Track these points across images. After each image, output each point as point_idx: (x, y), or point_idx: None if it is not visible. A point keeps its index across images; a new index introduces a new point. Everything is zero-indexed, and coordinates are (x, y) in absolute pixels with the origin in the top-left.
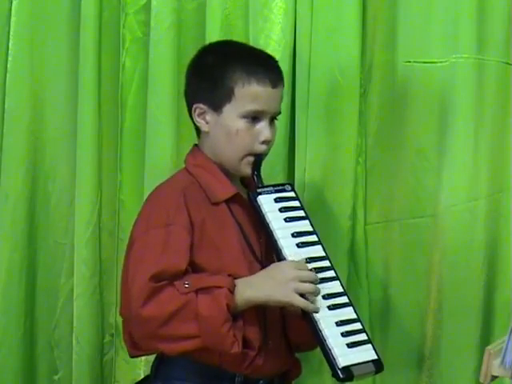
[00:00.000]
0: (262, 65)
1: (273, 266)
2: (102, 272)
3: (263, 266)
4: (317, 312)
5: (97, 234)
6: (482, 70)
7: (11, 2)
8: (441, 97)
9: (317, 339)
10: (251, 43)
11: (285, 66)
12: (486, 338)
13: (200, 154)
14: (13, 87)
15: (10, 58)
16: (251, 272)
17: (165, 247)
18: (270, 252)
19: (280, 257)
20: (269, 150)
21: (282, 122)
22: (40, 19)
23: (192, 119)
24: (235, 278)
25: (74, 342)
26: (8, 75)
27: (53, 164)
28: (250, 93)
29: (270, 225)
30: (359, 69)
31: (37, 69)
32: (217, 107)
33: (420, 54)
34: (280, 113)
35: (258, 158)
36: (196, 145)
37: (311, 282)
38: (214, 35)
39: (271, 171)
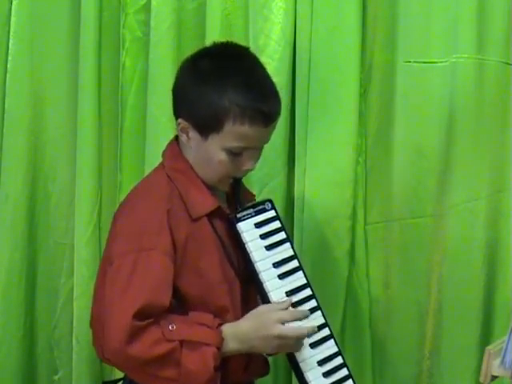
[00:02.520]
0: (260, 104)
1: (258, 316)
2: None
3: (241, 279)
4: (298, 351)
5: (97, 234)
6: (482, 70)
7: (11, 2)
8: (441, 97)
9: (300, 381)
10: (251, 43)
11: (285, 66)
12: (485, 337)
13: (180, 157)
14: (13, 87)
15: (9, 58)
16: (231, 293)
17: (146, 278)
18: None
19: (261, 291)
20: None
21: (281, 121)
22: (40, 19)
23: (175, 117)
24: (220, 323)
25: (73, 342)
26: (8, 75)
27: (53, 164)
28: (239, 132)
29: (250, 255)
30: (359, 69)
31: (37, 69)
32: (202, 132)
33: (420, 54)
34: (268, 140)
35: (237, 180)
36: (177, 138)
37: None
38: (213, 35)
39: (271, 171)
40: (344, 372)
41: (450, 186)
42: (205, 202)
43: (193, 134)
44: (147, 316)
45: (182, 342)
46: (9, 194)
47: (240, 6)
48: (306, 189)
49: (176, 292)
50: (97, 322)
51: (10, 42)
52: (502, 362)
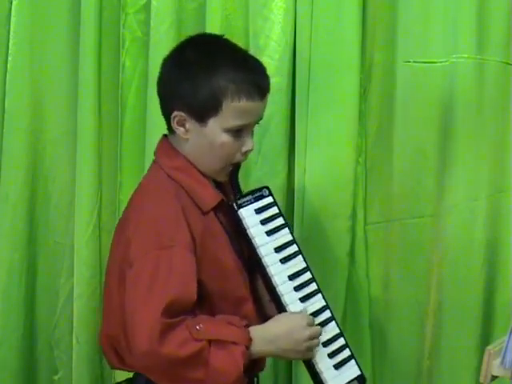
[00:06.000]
0: (253, 77)
1: (288, 320)
2: (101, 272)
3: (247, 270)
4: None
5: (97, 234)
6: (482, 70)
7: (11, 2)
8: (441, 97)
9: (306, 363)
10: (251, 43)
11: (285, 66)
12: (485, 337)
13: (177, 154)
14: (13, 87)
15: (9, 58)
16: (246, 283)
17: (171, 274)
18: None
19: (265, 275)
20: (247, 157)
21: (282, 121)
22: (40, 19)
23: (165, 115)
24: (248, 325)
25: (73, 341)
26: (8, 75)
27: (53, 164)
28: (238, 108)
29: (253, 241)
30: (359, 69)
31: (37, 69)
32: (201, 118)
33: (420, 54)
34: (262, 118)
35: (236, 167)
36: (166, 136)
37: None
38: None
39: (271, 171)
40: (347, 353)
41: (449, 186)
42: (210, 196)
43: (190, 124)
44: (176, 312)
45: (210, 342)
46: (9, 193)
47: (240, 6)
48: (305, 189)
49: (198, 285)
50: (121, 329)
51: (10, 42)
52: (502, 362)
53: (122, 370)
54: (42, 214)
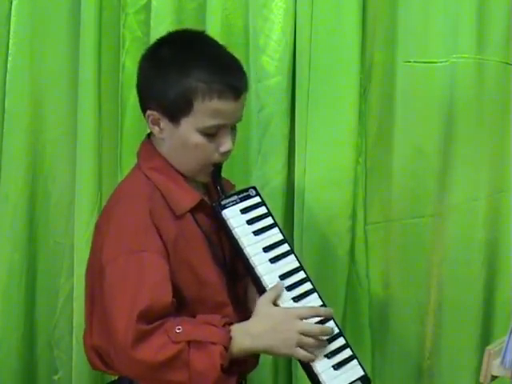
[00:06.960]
0: (225, 76)
1: (275, 312)
2: None
3: (227, 271)
4: (313, 360)
5: None
6: (482, 70)
7: (11, 2)
8: (441, 97)
9: (303, 365)
10: (251, 43)
11: (285, 66)
12: (485, 337)
13: (156, 155)
14: (13, 87)
15: (9, 58)
16: (224, 287)
17: (143, 279)
18: (235, 257)
19: (254, 276)
20: (228, 157)
21: (282, 121)
22: (40, 19)
23: (143, 114)
24: (229, 322)
25: (73, 341)
26: (8, 75)
27: (53, 164)
28: (210, 108)
29: (239, 241)
30: (359, 69)
31: (37, 69)
32: (173, 118)
33: (420, 54)
34: (241, 119)
35: (217, 167)
36: (149, 136)
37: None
38: (213, 35)
39: (271, 171)
40: (348, 352)
41: (449, 186)
42: (187, 197)
43: (164, 123)
44: (152, 317)
45: (189, 343)
46: (9, 193)
47: (240, 6)
48: (305, 189)
49: (174, 291)
50: (103, 334)
51: (10, 41)
52: (502, 362)
53: (103, 371)
54: (41, 214)
